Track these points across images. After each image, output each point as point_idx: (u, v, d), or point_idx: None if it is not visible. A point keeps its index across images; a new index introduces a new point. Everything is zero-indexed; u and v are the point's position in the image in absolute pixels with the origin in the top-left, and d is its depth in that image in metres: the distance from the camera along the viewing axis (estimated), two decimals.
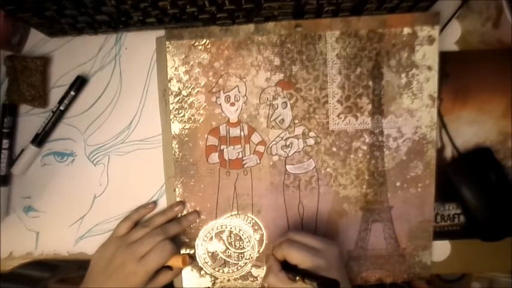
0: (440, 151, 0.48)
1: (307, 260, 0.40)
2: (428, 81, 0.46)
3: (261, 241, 0.48)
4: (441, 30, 0.47)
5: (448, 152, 0.48)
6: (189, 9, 0.42)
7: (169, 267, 0.45)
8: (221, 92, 0.47)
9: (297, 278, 0.40)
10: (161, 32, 0.47)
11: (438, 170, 0.48)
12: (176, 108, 0.47)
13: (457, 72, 0.48)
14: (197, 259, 0.49)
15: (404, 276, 0.48)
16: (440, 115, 0.48)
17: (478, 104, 0.48)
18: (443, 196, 0.48)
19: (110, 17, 0.43)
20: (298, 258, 0.40)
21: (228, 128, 0.48)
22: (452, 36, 0.48)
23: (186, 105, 0.47)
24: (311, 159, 0.48)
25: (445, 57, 0.47)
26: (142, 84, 0.48)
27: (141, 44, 0.47)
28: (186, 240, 0.49)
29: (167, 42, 0.47)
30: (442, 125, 0.48)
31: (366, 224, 0.48)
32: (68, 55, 0.49)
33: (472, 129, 0.48)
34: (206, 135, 0.48)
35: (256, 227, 0.48)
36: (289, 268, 0.42)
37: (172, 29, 0.46)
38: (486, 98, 0.48)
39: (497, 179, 0.47)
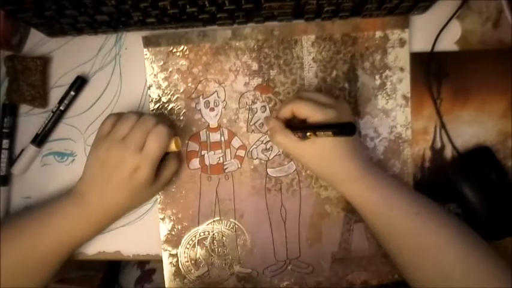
0: (440, 151, 0.48)
1: (318, 112, 0.39)
2: (401, 82, 0.47)
3: (244, 246, 0.48)
4: (441, 30, 0.47)
5: (448, 152, 0.48)
6: (189, 9, 0.42)
7: (167, 158, 0.43)
8: (200, 97, 0.48)
9: (308, 134, 0.38)
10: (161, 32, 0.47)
11: (438, 170, 0.48)
12: (156, 115, 0.47)
13: (457, 72, 0.48)
14: (180, 267, 0.48)
15: (389, 277, 0.48)
16: (440, 115, 0.48)
17: (478, 104, 0.48)
18: (443, 196, 0.48)
19: (110, 17, 0.43)
20: (308, 110, 0.39)
21: (208, 133, 0.48)
22: (452, 36, 0.48)
23: (166, 112, 0.48)
24: (291, 162, 0.48)
25: (445, 57, 0.47)
26: (142, 84, 0.48)
27: (141, 44, 0.47)
28: (169, 248, 0.48)
29: (145, 49, 0.47)
30: (442, 125, 0.48)
31: (348, 225, 0.48)
32: (68, 55, 0.49)
33: (472, 129, 0.48)
34: (187, 141, 0.48)
35: (239, 232, 0.48)
36: (295, 128, 0.41)
37: (152, 30, 0.46)
38: (486, 98, 0.48)
39: (497, 178, 0.47)
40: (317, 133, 0.37)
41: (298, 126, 0.41)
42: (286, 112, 0.42)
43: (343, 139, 0.40)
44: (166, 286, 0.48)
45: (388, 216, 0.41)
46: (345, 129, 0.35)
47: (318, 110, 0.39)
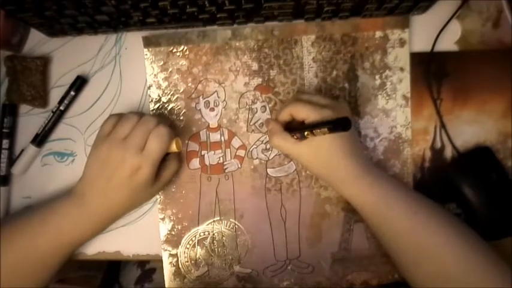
0: (440, 151, 0.48)
1: (315, 112, 0.39)
2: (401, 82, 0.47)
3: (244, 246, 0.48)
4: (441, 30, 0.47)
5: (448, 152, 0.48)
6: (189, 9, 0.42)
7: (168, 159, 0.43)
8: (200, 97, 0.48)
9: (306, 133, 0.39)
10: (161, 32, 0.47)
11: (438, 170, 0.48)
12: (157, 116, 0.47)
13: (457, 72, 0.48)
14: (180, 267, 0.48)
15: (389, 277, 0.48)
16: (440, 115, 0.48)
17: (478, 104, 0.48)
18: (443, 196, 0.48)
19: (110, 17, 0.43)
20: (305, 112, 0.40)
21: (208, 133, 0.48)
22: (452, 36, 0.48)
23: (166, 112, 0.48)
24: (291, 162, 0.48)
25: (445, 57, 0.47)
26: (142, 84, 0.48)
27: (141, 44, 0.47)
28: (169, 248, 0.48)
29: (145, 50, 0.47)
30: (442, 125, 0.48)
31: (348, 224, 0.48)
32: (68, 55, 0.49)
33: (472, 129, 0.48)
34: (187, 141, 0.48)
35: (239, 232, 0.48)
36: (294, 129, 0.41)
37: (153, 30, 0.46)
38: (486, 98, 0.48)
39: (498, 178, 0.47)
40: (314, 132, 0.38)
41: (296, 128, 0.42)
42: (284, 115, 0.42)
43: (340, 138, 0.40)
44: (166, 286, 0.48)
45: (387, 216, 0.41)
46: (340, 124, 0.35)
47: (314, 110, 0.40)
